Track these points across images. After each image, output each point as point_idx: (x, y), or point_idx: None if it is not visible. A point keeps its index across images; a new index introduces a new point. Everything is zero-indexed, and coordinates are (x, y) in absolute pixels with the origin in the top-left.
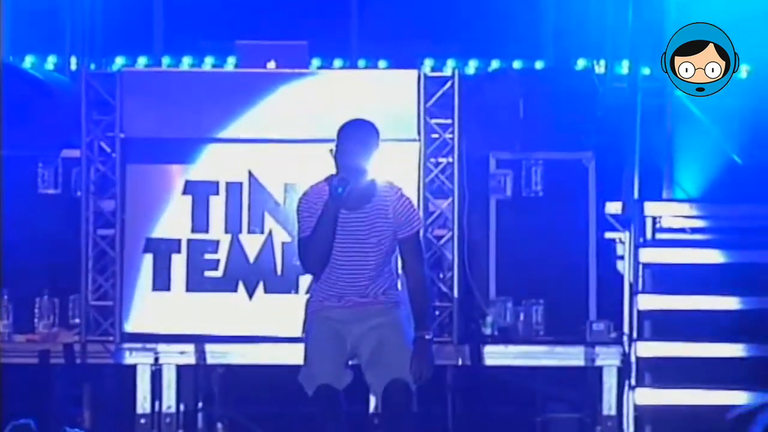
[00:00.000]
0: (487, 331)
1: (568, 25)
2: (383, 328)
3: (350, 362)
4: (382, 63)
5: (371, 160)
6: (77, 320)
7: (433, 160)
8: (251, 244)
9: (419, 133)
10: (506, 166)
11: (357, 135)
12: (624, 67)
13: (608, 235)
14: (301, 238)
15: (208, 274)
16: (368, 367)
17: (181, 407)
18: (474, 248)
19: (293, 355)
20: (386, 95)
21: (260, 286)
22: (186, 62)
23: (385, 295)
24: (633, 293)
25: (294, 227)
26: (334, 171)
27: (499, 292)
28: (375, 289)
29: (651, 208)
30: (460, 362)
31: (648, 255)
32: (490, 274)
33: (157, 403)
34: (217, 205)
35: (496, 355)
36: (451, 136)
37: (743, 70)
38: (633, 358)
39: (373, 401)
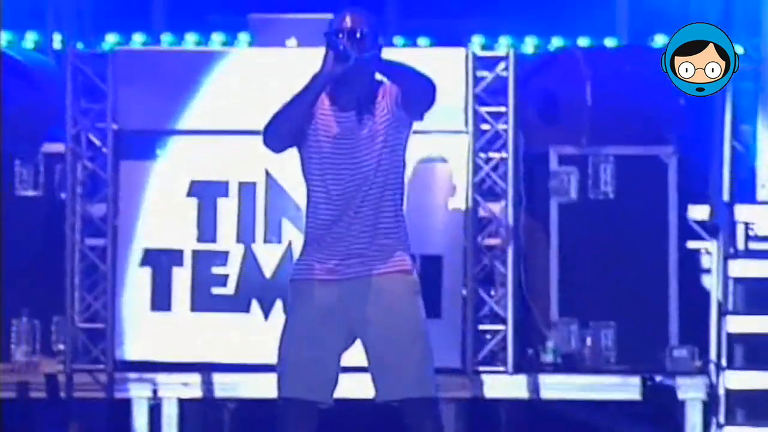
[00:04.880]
0: (548, 358)
1: None
2: (393, 313)
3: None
4: (422, 41)
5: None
6: (62, 346)
7: (483, 155)
8: (267, 256)
9: (467, 124)
10: (570, 163)
11: (360, 12)
12: None
13: (692, 244)
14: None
15: (217, 291)
16: (375, 369)
17: None
18: (532, 260)
19: None
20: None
21: (278, 306)
22: (190, 40)
23: (394, 259)
24: (722, 314)
25: None
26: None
27: (562, 313)
28: (380, 247)
29: (743, 212)
30: (515, 395)
31: (739, 268)
32: (551, 291)
33: None
34: (227, 209)
35: (558, 387)
36: (505, 127)
37: None
38: (722, 391)
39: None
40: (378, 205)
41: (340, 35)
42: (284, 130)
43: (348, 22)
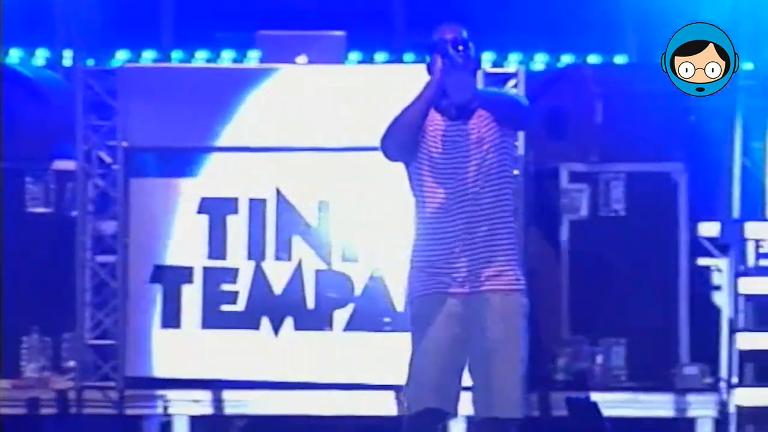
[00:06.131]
0: (559, 376)
1: (654, 12)
2: (504, 333)
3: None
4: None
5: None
6: (72, 363)
7: None
8: (277, 273)
9: None
10: (581, 180)
11: (458, 26)
12: None
13: (702, 261)
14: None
15: (226, 308)
16: (479, 386)
17: None
18: (543, 278)
19: (328, 404)
20: None
21: (288, 323)
22: (200, 57)
23: (511, 277)
24: (732, 331)
25: (328, 253)
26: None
27: (573, 331)
28: (499, 260)
29: (753, 229)
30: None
31: (750, 285)
32: (561, 308)
33: None
34: (236, 226)
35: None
36: (515, 144)
37: None
38: (732, 408)
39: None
40: (494, 216)
41: (448, 45)
42: (401, 139)
43: (451, 33)
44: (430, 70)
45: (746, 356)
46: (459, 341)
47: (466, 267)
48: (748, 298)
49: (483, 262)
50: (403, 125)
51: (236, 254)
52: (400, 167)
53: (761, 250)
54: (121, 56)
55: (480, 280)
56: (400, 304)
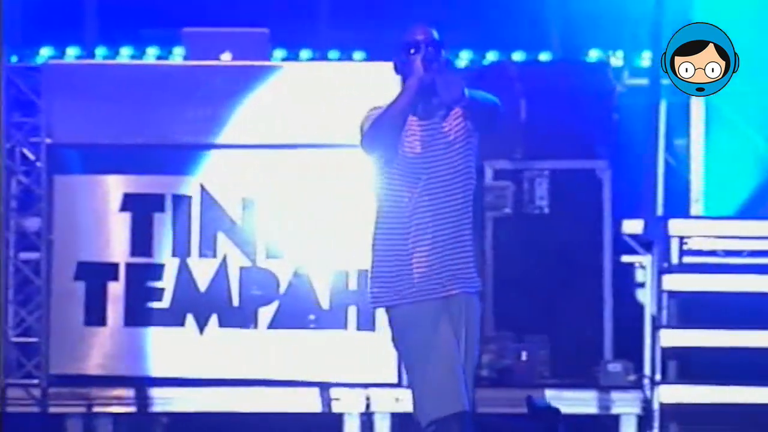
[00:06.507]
0: (483, 372)
1: (578, 10)
2: (472, 332)
3: None
4: (356, 54)
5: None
6: None
7: None
8: (202, 270)
9: None
10: (505, 178)
11: (428, 30)
12: (645, 60)
13: (626, 258)
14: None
15: (151, 305)
16: None
17: None
18: None
19: (253, 401)
20: (362, 92)
21: (213, 320)
22: (124, 54)
23: (474, 279)
24: (655, 328)
25: (253, 250)
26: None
27: (497, 327)
28: (466, 258)
29: (677, 226)
30: None
31: (673, 282)
32: (486, 305)
33: None
34: (161, 223)
35: (492, 402)
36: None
37: None
38: (656, 405)
39: None
40: (462, 217)
41: (423, 45)
42: (387, 138)
43: (425, 34)
44: (399, 70)
45: (669, 353)
46: (456, 342)
47: (440, 269)
48: (672, 295)
49: (454, 264)
50: (388, 125)
51: (161, 251)
52: (325, 164)
53: (685, 247)
54: (45, 53)
55: (453, 282)
56: (324, 302)
